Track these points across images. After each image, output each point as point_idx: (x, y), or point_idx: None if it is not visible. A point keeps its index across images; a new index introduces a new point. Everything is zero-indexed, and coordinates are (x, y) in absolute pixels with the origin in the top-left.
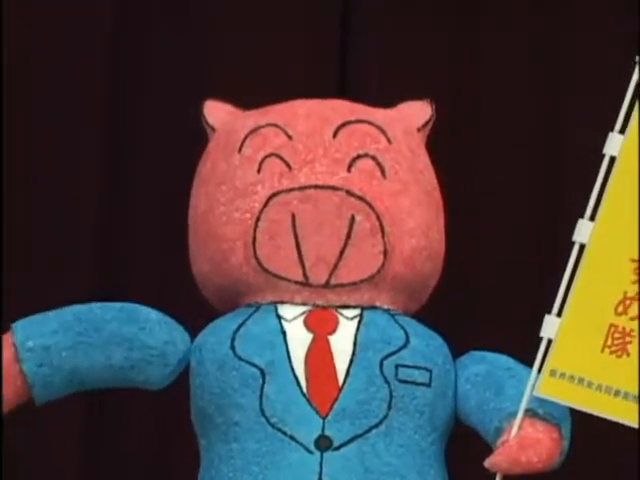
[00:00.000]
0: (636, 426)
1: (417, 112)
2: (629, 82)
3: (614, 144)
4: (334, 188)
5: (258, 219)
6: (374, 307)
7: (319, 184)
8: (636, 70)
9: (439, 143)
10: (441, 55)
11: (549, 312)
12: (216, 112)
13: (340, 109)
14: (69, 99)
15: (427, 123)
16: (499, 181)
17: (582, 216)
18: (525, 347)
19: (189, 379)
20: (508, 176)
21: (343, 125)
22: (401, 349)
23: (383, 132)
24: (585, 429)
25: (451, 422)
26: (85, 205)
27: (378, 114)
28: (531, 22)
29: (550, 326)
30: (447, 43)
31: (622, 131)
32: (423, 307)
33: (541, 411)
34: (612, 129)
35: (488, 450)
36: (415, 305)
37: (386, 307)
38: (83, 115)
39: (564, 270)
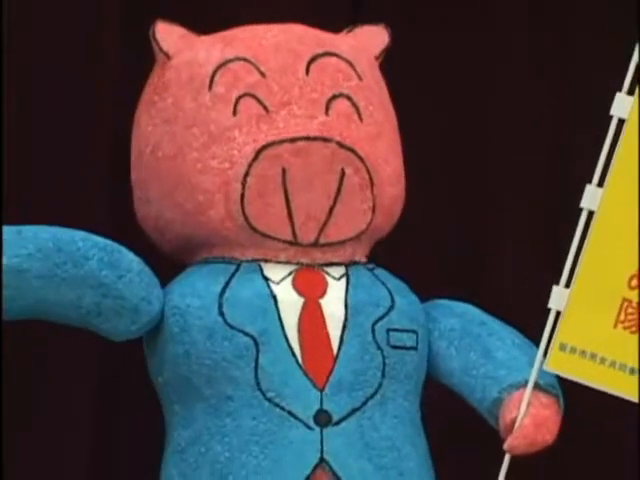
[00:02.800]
0: None
1: (375, 39)
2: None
3: (622, 105)
4: (325, 139)
5: (247, 174)
6: (355, 262)
7: (309, 135)
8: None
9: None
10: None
11: (557, 283)
12: (169, 36)
13: (306, 40)
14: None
15: (384, 50)
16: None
17: (590, 181)
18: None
19: (157, 341)
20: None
21: (313, 59)
22: (389, 311)
23: (352, 67)
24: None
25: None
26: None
27: (342, 44)
28: (532, 24)
29: (558, 298)
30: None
31: (630, 92)
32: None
33: (542, 382)
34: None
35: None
36: None
37: (363, 261)
38: (89, 119)
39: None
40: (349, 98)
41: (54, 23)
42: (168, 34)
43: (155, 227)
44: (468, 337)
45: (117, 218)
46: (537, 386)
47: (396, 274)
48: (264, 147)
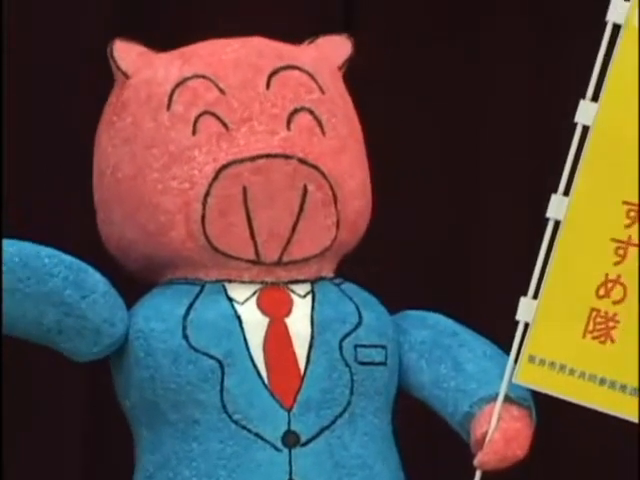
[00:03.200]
0: (624, 417)
1: (337, 49)
2: None
3: (587, 112)
4: (286, 157)
5: (207, 194)
6: (321, 278)
7: (271, 153)
8: (606, 31)
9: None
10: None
11: (525, 294)
12: (127, 55)
13: (267, 52)
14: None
15: (347, 60)
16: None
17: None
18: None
19: (122, 364)
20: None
21: (274, 73)
22: (357, 327)
23: (314, 79)
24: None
25: (396, 394)
26: None
27: (304, 56)
28: (532, 24)
29: (527, 309)
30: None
31: (594, 99)
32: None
33: (513, 394)
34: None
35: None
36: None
37: (331, 276)
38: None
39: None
40: (311, 112)
41: (54, 23)
42: (126, 53)
43: (118, 247)
44: (439, 349)
45: None
46: (508, 399)
47: (370, 287)
48: (224, 166)
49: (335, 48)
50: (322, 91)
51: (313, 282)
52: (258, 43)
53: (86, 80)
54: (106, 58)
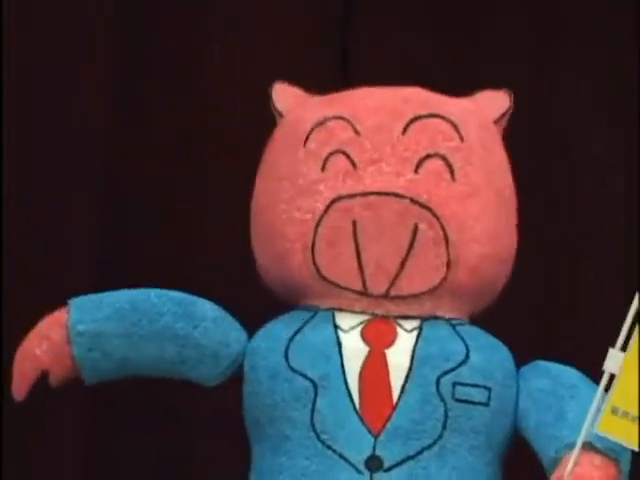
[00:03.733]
0: None
1: (494, 103)
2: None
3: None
4: (398, 195)
5: (318, 224)
6: (435, 317)
7: (383, 190)
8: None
9: None
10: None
11: (613, 345)
12: (283, 96)
13: (413, 100)
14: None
15: (504, 115)
16: None
17: None
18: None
19: (242, 382)
20: None
21: (414, 120)
22: (460, 365)
23: (456, 128)
24: None
25: (510, 439)
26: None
27: (453, 106)
28: (532, 24)
29: (614, 360)
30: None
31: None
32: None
33: (600, 445)
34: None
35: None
36: (481, 307)
37: (448, 316)
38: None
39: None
40: (444, 158)
41: (54, 23)
42: (284, 94)
43: (260, 272)
44: (552, 398)
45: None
46: (593, 448)
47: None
48: (335, 200)
49: (491, 102)
50: (462, 140)
51: (425, 319)
52: (409, 90)
53: (86, 80)
54: (106, 57)
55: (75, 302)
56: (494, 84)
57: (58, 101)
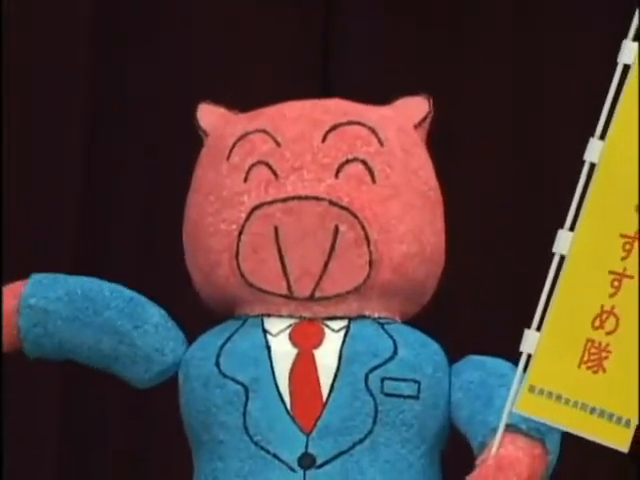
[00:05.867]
0: (613, 446)
1: (414, 108)
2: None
3: (594, 150)
4: (317, 198)
5: (241, 232)
6: (363, 317)
7: (302, 195)
8: (616, 72)
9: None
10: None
11: (529, 326)
12: (208, 116)
13: (333, 110)
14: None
15: (424, 119)
16: (482, 184)
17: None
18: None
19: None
20: (490, 180)
21: (333, 128)
22: (388, 361)
23: (375, 133)
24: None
25: (444, 432)
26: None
27: (372, 113)
28: (516, 24)
29: (530, 341)
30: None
31: (602, 137)
32: None
33: (524, 426)
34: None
35: None
36: (414, 308)
37: (376, 315)
38: (63, 116)
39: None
40: (364, 162)
41: (54, 23)
42: (208, 114)
43: (195, 288)
44: (482, 388)
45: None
46: (518, 430)
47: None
48: (256, 207)
49: (411, 108)
50: (381, 144)
51: (353, 319)
52: (329, 102)
53: (86, 80)
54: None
55: (34, 277)
56: (478, 83)
57: (58, 101)
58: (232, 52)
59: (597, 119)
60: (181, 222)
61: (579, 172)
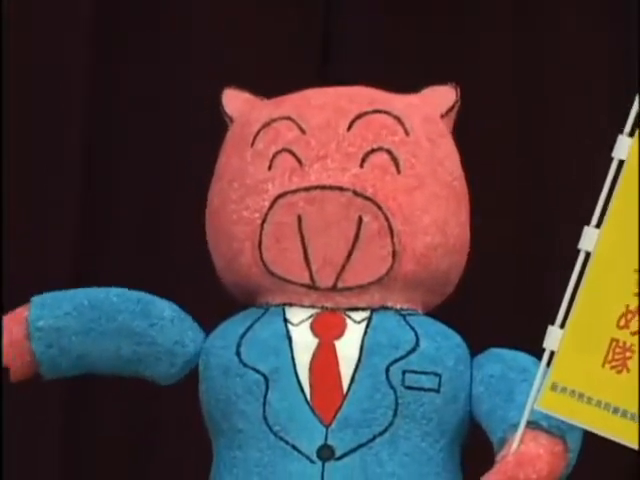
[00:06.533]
0: (634, 446)
1: (440, 97)
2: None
3: (623, 147)
4: (341, 189)
5: (264, 221)
6: (385, 308)
7: (326, 184)
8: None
9: None
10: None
11: (552, 323)
12: (234, 101)
13: (358, 98)
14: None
15: (451, 109)
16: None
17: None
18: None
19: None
20: (493, 179)
21: (359, 116)
22: (409, 353)
23: (401, 123)
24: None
25: (464, 426)
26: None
27: (398, 102)
28: (516, 23)
29: (553, 337)
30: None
31: (632, 134)
32: None
33: (545, 423)
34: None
35: None
36: (437, 299)
37: (399, 307)
38: (63, 116)
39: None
40: (389, 152)
41: (54, 23)
42: (234, 99)
43: (219, 275)
44: (503, 382)
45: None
46: (539, 427)
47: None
48: (279, 196)
49: (438, 97)
50: (407, 133)
51: (375, 310)
52: (355, 90)
53: (86, 80)
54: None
55: (36, 299)
56: (478, 83)
57: (58, 101)
58: (232, 52)
59: (597, 118)
60: (182, 222)
61: (580, 171)
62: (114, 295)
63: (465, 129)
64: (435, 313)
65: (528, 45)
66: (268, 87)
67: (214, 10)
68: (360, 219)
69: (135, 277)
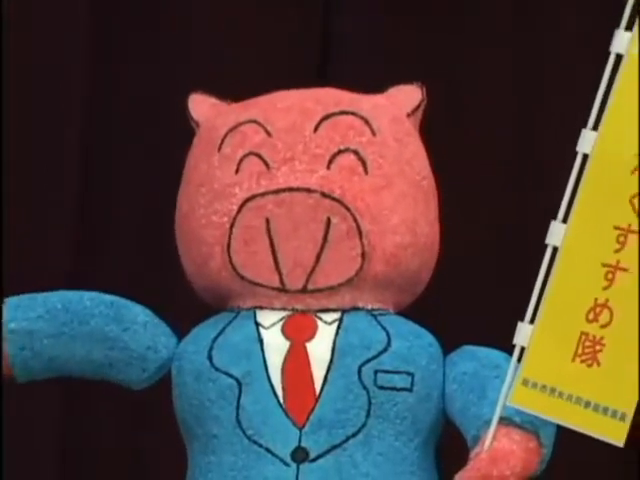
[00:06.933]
0: (608, 440)
1: (406, 97)
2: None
3: (587, 141)
4: (309, 190)
5: (232, 225)
6: (356, 308)
7: (293, 186)
8: (609, 62)
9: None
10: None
11: (522, 319)
12: (200, 106)
13: (324, 100)
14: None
15: (417, 108)
16: (483, 182)
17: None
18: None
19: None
20: (492, 178)
21: (325, 118)
22: (381, 353)
23: (367, 123)
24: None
25: (438, 424)
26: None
27: (365, 103)
28: (516, 23)
29: (523, 333)
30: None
31: (595, 128)
32: None
33: (518, 419)
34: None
35: None
36: (408, 298)
37: (370, 307)
38: (63, 116)
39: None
40: (356, 153)
41: (54, 23)
42: (200, 104)
43: (190, 282)
44: (476, 380)
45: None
46: (512, 423)
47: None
48: (247, 200)
49: (404, 96)
50: (373, 134)
51: (346, 311)
52: (321, 91)
53: (86, 80)
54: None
55: (10, 301)
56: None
57: (58, 101)
58: (232, 52)
59: None
60: None
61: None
62: (87, 299)
63: (465, 129)
64: (407, 312)
65: (528, 45)
66: (268, 87)
67: (214, 10)
68: (329, 220)
69: (135, 277)
